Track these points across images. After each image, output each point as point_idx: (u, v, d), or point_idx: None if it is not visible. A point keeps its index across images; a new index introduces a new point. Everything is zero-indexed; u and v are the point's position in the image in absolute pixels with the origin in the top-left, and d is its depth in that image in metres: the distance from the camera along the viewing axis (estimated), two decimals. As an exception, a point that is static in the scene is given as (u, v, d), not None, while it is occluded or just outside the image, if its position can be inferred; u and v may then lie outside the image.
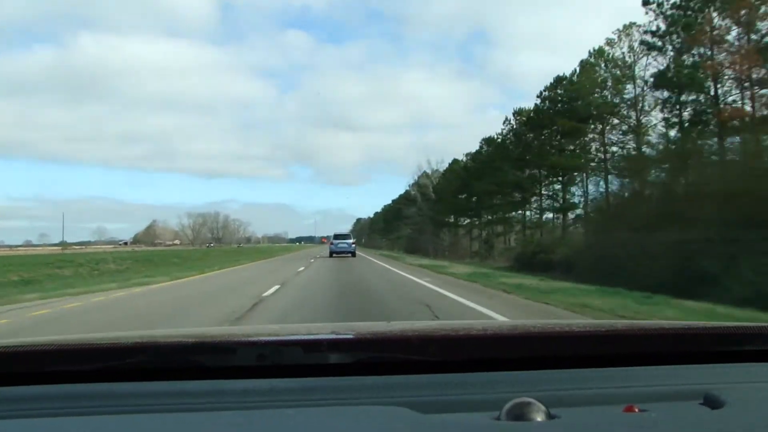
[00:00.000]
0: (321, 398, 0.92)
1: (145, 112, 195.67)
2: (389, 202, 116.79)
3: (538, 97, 33.65)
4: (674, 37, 22.81)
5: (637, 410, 0.86)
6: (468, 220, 54.27)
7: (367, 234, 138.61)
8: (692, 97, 22.94)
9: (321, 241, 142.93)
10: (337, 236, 37.37)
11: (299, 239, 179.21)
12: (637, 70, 27.16)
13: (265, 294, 10.62)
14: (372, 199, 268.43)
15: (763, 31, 18.62)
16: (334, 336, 1.27)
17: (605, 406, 0.88)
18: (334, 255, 32.45)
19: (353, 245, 34.13)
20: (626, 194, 22.13)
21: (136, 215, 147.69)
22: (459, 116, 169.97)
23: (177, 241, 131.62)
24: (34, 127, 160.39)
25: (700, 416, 0.85)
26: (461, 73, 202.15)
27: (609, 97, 27.75)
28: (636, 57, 26.99)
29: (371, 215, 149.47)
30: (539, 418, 0.82)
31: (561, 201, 34.48)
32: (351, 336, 1.26)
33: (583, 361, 1.06)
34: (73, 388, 0.97)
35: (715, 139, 19.99)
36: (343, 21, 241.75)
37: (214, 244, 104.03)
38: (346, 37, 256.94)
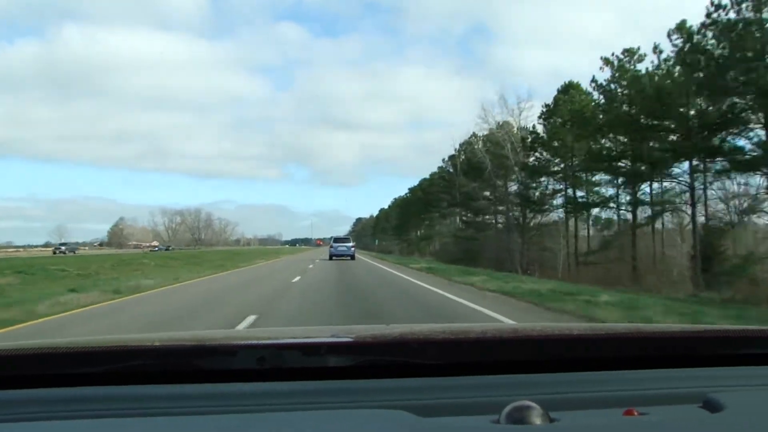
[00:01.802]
0: (320, 401, 0.98)
1: (137, 110, 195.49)
2: (404, 193, 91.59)
3: None
4: None
5: (636, 413, 0.89)
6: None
7: (371, 235, 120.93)
8: None
9: (316, 243, 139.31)
10: (336, 240, 39.14)
11: (295, 241, 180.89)
12: None
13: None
14: (369, 200, 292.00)
15: None
16: (333, 339, 1.32)
17: (605, 410, 0.93)
18: (334, 258, 35.23)
19: (352, 248, 37.62)
20: None
21: (128, 216, 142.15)
22: (459, 115, 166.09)
23: (155, 243, 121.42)
24: (22, 125, 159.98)
25: (700, 420, 0.88)
26: (461, 69, 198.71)
27: None
28: None
29: (374, 213, 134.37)
30: (539, 421, 0.83)
31: None
32: (350, 339, 1.31)
33: (583, 364, 1.11)
34: (71, 391, 1.03)
35: None
36: (337, 13, 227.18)
37: (67, 248, 77.18)
38: (341, 30, 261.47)
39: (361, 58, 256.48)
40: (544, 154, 35.00)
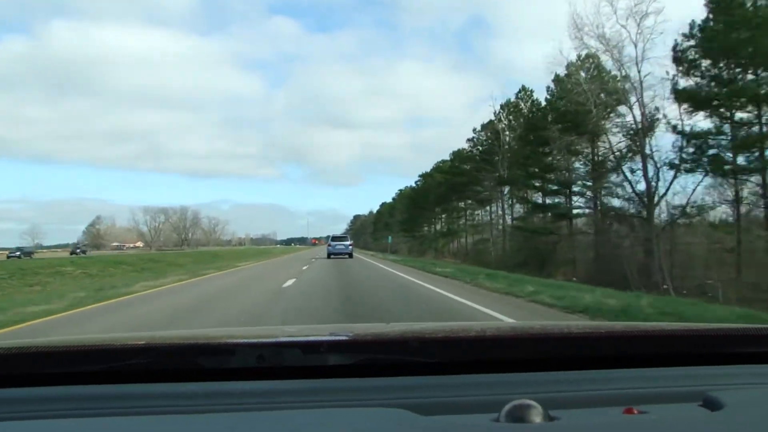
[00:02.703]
0: (320, 400, 1.01)
1: (131, 109, 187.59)
2: (414, 181, 75.79)
3: None
4: None
5: (636, 412, 0.91)
6: None
7: (371, 233, 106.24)
8: None
9: (312, 242, 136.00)
10: (334, 238, 38.16)
11: (290, 240, 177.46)
12: None
13: None
14: (366, 199, 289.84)
15: None
16: (333, 337, 1.33)
17: (605, 408, 0.96)
18: (332, 256, 34.58)
19: (350, 246, 37.23)
20: None
21: (106, 215, 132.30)
22: (457, 112, 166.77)
23: (140, 243, 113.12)
24: (11, 125, 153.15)
25: (700, 418, 0.91)
26: (459, 65, 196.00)
27: None
28: None
29: (374, 209, 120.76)
30: (538, 419, 0.85)
31: None
32: (350, 337, 1.32)
33: (583, 363, 1.13)
34: (72, 389, 1.06)
35: None
36: (331, 5, 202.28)
37: None
38: (335, 24, 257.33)
39: (357, 53, 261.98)
40: (713, 69, 18.73)
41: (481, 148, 45.65)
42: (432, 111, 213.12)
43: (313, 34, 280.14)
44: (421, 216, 67.23)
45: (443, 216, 61.71)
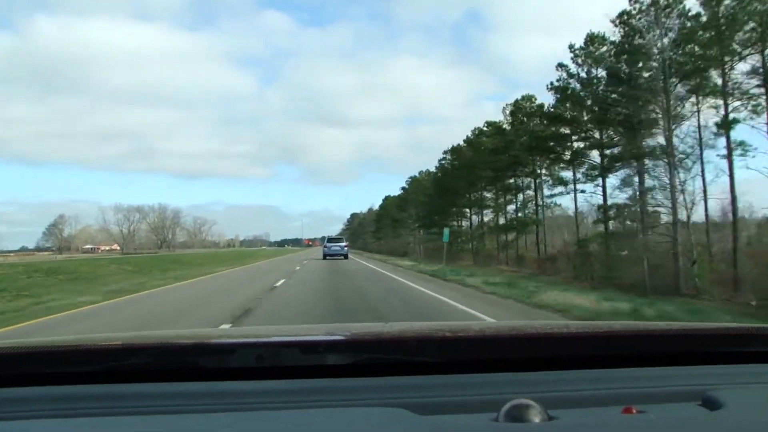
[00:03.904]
0: (318, 400, 1.02)
1: (119, 108, 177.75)
2: (439, 160, 53.87)
3: None
4: None
5: (635, 411, 0.93)
6: None
7: (373, 231, 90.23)
8: None
9: (305, 243, 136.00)
10: (330, 240, 39.48)
11: (284, 242, 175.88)
12: None
13: None
14: (361, 198, 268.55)
15: None
16: (331, 337, 1.34)
17: (604, 408, 0.97)
18: (328, 257, 36.44)
19: (345, 248, 38.37)
20: None
21: (100, 217, 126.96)
22: (453, 109, 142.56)
23: (116, 246, 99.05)
24: (4, 125, 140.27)
25: (699, 417, 0.92)
26: (455, 60, 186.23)
27: None
28: None
29: (375, 205, 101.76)
30: (537, 419, 0.87)
31: None
32: (349, 337, 1.33)
33: (582, 363, 1.15)
34: (70, 389, 1.07)
35: None
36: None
37: None
38: (328, 19, 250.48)
39: (351, 49, 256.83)
40: None
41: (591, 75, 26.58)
42: (428, 107, 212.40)
43: (306, 28, 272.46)
44: (452, 205, 48.35)
45: (492, 201, 42.91)
